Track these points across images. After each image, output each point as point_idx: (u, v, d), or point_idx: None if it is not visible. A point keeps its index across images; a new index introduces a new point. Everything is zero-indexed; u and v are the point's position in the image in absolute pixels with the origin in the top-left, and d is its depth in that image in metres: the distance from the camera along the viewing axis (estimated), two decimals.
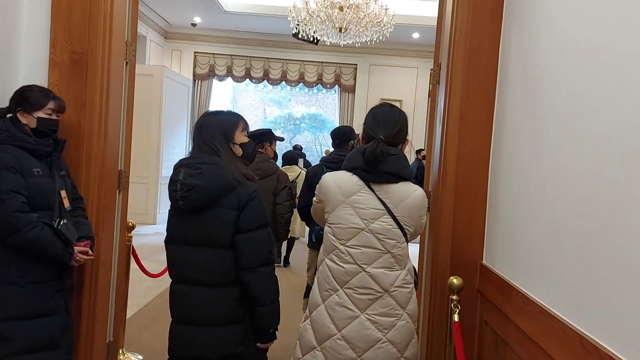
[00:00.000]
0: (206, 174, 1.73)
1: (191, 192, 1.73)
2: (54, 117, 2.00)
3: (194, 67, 10.02)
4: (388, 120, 1.83)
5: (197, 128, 1.85)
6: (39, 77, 2.17)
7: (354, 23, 6.47)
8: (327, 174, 1.88)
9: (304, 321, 1.89)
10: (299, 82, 10.20)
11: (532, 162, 1.64)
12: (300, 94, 12.21)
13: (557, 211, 1.44)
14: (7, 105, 1.99)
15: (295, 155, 6.04)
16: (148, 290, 4.47)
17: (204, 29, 9.68)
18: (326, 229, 1.85)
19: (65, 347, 2.01)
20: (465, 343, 1.86)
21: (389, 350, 1.75)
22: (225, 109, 2.04)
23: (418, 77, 9.85)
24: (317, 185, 1.90)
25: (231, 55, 9.96)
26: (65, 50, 2.18)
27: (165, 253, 1.88)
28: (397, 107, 1.91)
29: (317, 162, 3.47)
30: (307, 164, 7.95)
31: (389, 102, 9.24)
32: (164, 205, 7.97)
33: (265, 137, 3.69)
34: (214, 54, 9.98)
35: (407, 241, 1.83)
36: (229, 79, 10.32)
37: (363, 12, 6.38)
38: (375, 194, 1.77)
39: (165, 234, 1.87)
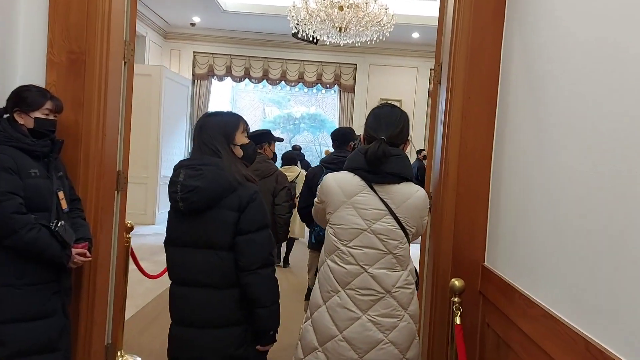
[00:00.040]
0: (207, 176, 1.72)
1: (191, 194, 1.72)
2: (51, 117, 1.99)
3: (193, 67, 10.01)
4: (390, 121, 1.82)
5: (197, 129, 1.84)
6: (36, 77, 2.15)
7: (353, 22, 6.46)
8: (329, 174, 1.87)
9: (304, 322, 1.89)
10: (299, 82, 10.19)
11: (535, 162, 1.63)
12: (300, 93, 12.20)
13: (560, 212, 1.42)
14: (4, 105, 1.97)
15: (294, 155, 6.03)
16: (147, 291, 4.45)
17: (203, 28, 9.66)
18: (328, 229, 1.84)
19: (63, 350, 1.99)
20: (466, 345, 1.85)
21: (391, 351, 1.74)
22: (225, 110, 2.03)
23: (418, 77, 9.86)
24: (319, 186, 1.89)
25: (230, 55, 9.95)
26: (62, 50, 2.17)
27: (164, 254, 1.87)
28: (399, 108, 1.90)
29: (317, 162, 3.49)
30: (305, 164, 7.94)
31: (389, 102, 9.22)
32: (163, 206, 7.97)
33: (264, 137, 3.69)
34: (213, 53, 9.97)
35: (409, 242, 1.83)
36: (228, 79, 10.30)
37: (363, 11, 6.37)
38: (377, 194, 1.77)
39: (165, 234, 1.86)
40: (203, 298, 1.76)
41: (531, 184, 1.65)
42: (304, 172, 5.69)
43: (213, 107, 10.22)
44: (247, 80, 10.29)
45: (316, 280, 1.88)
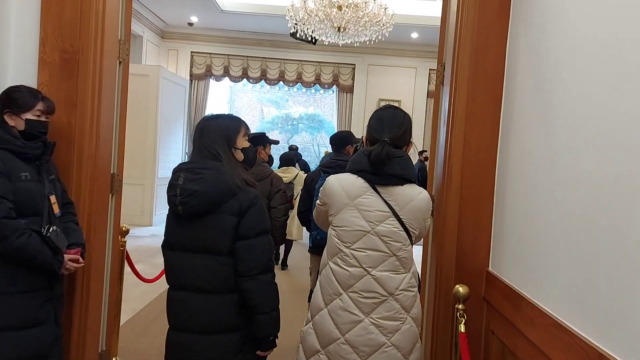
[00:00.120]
0: (207, 179, 1.71)
1: (191, 198, 1.70)
2: (43, 118, 1.94)
3: (191, 67, 9.99)
4: (393, 123, 1.82)
5: (197, 132, 1.83)
6: (28, 77, 2.10)
7: (352, 22, 6.43)
8: (332, 176, 1.87)
9: (305, 325, 1.88)
10: (297, 82, 10.18)
11: (542, 164, 1.59)
12: (298, 94, 12.17)
13: (569, 215, 1.39)
14: None
15: (292, 156, 5.98)
16: (143, 294, 4.39)
17: (201, 28, 9.63)
18: (330, 231, 1.83)
19: (55, 358, 1.94)
20: (470, 352, 1.82)
21: (394, 354, 1.74)
22: (224, 112, 2.01)
23: (417, 77, 9.85)
24: (321, 188, 1.88)
25: (228, 55, 9.93)
26: (55, 49, 2.12)
27: (161, 256, 1.86)
28: (401, 109, 1.89)
29: (316, 162, 3.59)
30: (303, 165, 7.90)
31: (388, 102, 9.20)
32: (160, 207, 7.93)
33: (259, 140, 3.68)
34: (210, 53, 9.95)
35: (412, 244, 1.82)
36: (226, 79, 10.28)
37: (362, 11, 6.34)
38: (381, 196, 1.76)
39: (163, 237, 1.85)
40: (202, 303, 1.74)
41: (538, 187, 1.62)
42: (302, 174, 5.66)
43: (211, 107, 10.20)
44: (245, 80, 10.27)
45: (317, 282, 1.87)
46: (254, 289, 1.73)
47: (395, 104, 1.95)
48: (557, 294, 1.44)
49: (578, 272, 1.32)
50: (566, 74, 1.47)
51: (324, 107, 12.42)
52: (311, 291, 3.39)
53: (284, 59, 9.96)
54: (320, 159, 8.14)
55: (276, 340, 1.84)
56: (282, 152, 6.29)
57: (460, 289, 1.90)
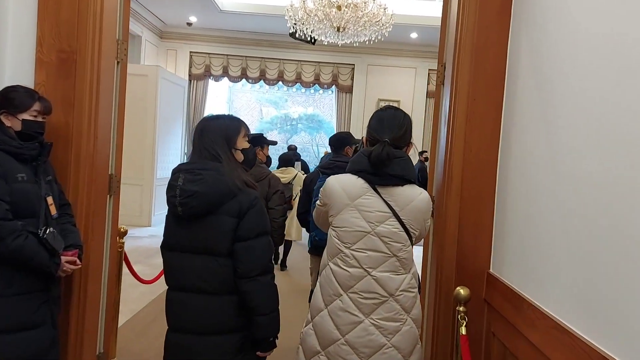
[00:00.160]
0: (207, 180, 1.70)
1: (191, 199, 1.69)
2: (39, 119, 1.93)
3: (190, 67, 9.96)
4: (393, 123, 1.81)
5: (197, 133, 1.82)
6: (24, 77, 2.08)
7: (352, 22, 6.41)
8: (332, 177, 1.86)
9: (305, 326, 1.87)
10: (296, 82, 10.16)
11: (543, 164, 1.58)
12: (297, 94, 12.15)
13: (571, 216, 1.37)
14: None
15: (291, 156, 5.96)
16: (142, 295, 4.37)
17: (200, 28, 9.61)
18: (330, 232, 1.82)
19: None
20: (471, 354, 1.80)
21: (394, 355, 1.73)
22: (224, 113, 2.00)
23: (416, 77, 9.83)
24: (321, 189, 1.88)
25: (227, 55, 9.91)
26: (52, 49, 2.11)
27: (160, 257, 1.84)
28: (402, 110, 1.89)
29: (315, 163, 3.65)
30: (304, 166, 7.89)
31: (387, 102, 9.19)
32: (159, 207, 7.90)
33: (257, 141, 3.67)
34: (209, 53, 9.93)
35: (412, 245, 1.81)
36: (225, 79, 10.26)
37: (361, 11, 6.32)
38: (381, 196, 1.76)
39: (161, 238, 1.84)
40: (201, 304, 1.73)
41: (539, 187, 1.60)
42: (301, 174, 5.64)
43: (209, 107, 10.18)
44: (244, 80, 10.25)
45: (317, 283, 1.86)
46: (254, 291, 1.72)
47: (395, 104, 1.94)
48: (557, 294, 1.42)
49: (579, 272, 1.31)
50: (568, 70, 1.46)
51: (323, 107, 12.41)
52: (311, 292, 3.41)
53: (283, 59, 9.94)
54: (320, 159, 8.14)
55: (276, 340, 1.83)
56: (281, 153, 6.27)
57: (462, 291, 1.88)
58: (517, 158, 1.84)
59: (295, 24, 6.68)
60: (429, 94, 9.76)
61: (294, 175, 5.53)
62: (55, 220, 1.92)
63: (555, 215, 1.47)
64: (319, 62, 9.92)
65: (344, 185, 1.79)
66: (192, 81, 9.93)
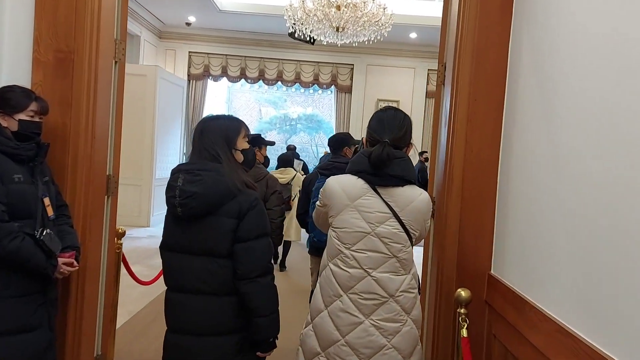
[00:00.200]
0: (206, 181, 1.69)
1: (190, 199, 1.68)
2: (36, 119, 1.91)
3: (189, 67, 9.95)
4: (393, 124, 1.81)
5: (197, 133, 1.81)
6: (21, 76, 2.06)
7: (351, 22, 6.40)
8: (332, 177, 1.85)
9: (305, 327, 1.87)
10: (295, 82, 10.15)
11: (545, 163, 1.57)
12: (296, 94, 12.14)
13: (572, 217, 1.36)
14: None
15: (290, 156, 5.94)
16: (140, 296, 4.35)
17: (199, 28, 9.60)
18: (330, 232, 1.82)
19: None
20: (472, 356, 1.79)
21: (394, 356, 1.73)
22: (223, 113, 1.99)
23: (415, 77, 9.83)
24: (321, 190, 1.87)
25: (226, 55, 9.90)
26: (49, 49, 2.08)
27: (159, 257, 1.84)
28: (402, 111, 1.88)
29: (314, 163, 3.68)
30: (304, 166, 7.87)
31: (386, 102, 9.17)
32: (158, 208, 7.89)
33: (255, 142, 3.66)
34: (208, 53, 9.91)
35: (412, 245, 1.81)
36: (224, 79, 10.25)
37: (361, 11, 6.31)
38: (381, 197, 1.75)
39: (160, 238, 1.83)
40: (200, 305, 1.73)
41: (541, 188, 1.59)
42: (300, 175, 5.63)
43: (208, 107, 10.17)
44: (243, 80, 10.24)
45: (317, 284, 1.86)
46: (253, 292, 1.71)
47: (394, 104, 1.93)
48: (558, 294, 1.41)
49: (579, 272, 1.30)
50: (569, 70, 1.45)
51: (322, 107, 12.40)
52: (312, 292, 3.41)
53: (282, 59, 9.93)
54: (319, 159, 8.13)
55: (276, 341, 1.83)
56: (280, 153, 6.25)
57: (463, 292, 1.87)
58: (518, 157, 1.83)
59: (294, 24, 6.67)
60: (428, 94, 9.75)
61: (292, 176, 5.52)
62: (52, 222, 1.90)
63: (556, 215, 1.46)
64: (318, 62, 9.91)
65: (343, 185, 1.78)
66: (191, 81, 9.92)
